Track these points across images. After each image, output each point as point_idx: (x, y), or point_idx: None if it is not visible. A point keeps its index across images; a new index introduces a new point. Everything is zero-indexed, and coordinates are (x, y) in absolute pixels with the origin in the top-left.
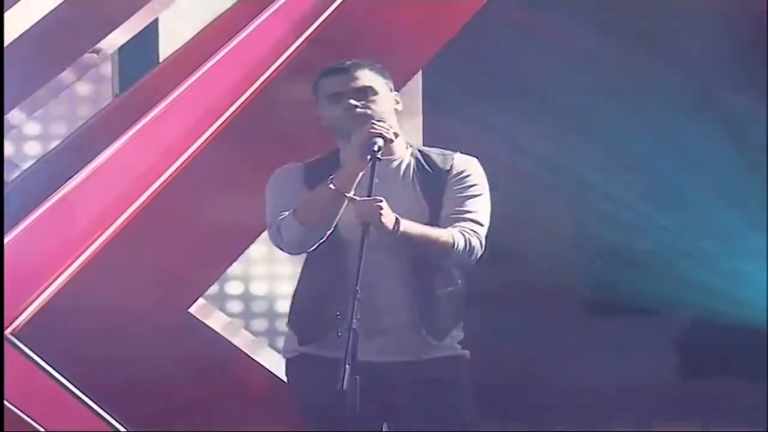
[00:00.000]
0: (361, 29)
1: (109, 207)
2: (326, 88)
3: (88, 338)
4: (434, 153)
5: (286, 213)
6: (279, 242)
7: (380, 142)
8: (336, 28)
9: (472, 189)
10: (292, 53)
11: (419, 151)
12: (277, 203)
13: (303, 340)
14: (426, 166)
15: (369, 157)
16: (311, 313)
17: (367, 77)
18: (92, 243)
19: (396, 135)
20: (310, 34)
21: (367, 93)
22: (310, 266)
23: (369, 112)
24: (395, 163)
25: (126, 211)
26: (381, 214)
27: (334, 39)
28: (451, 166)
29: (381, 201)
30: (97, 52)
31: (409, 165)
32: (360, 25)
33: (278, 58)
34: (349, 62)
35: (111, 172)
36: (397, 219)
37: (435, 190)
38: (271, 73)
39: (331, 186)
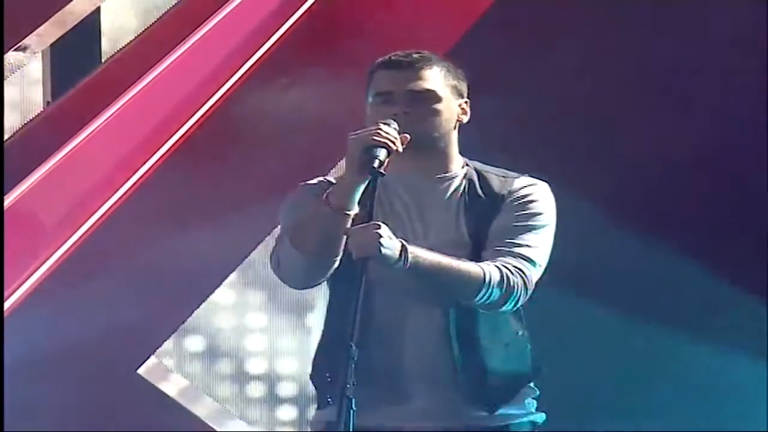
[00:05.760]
0: (366, 16)
1: (39, 241)
2: (378, 83)
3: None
4: (494, 174)
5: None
6: (278, 273)
7: (382, 155)
8: (326, 15)
9: (532, 219)
10: (271, 46)
11: (476, 170)
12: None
13: (322, 403)
14: (479, 190)
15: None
16: (329, 367)
17: (432, 78)
18: (18, 286)
19: (404, 146)
20: (291, 25)
21: (428, 99)
22: (331, 308)
23: (420, 127)
24: (445, 183)
25: (60, 247)
26: (380, 244)
27: (323, 28)
28: (510, 191)
29: (378, 227)
30: (25, 49)
31: (459, 186)
32: (365, 11)
33: (254, 53)
34: (415, 55)
35: (42, 197)
36: (403, 246)
37: (483, 220)
38: (243, 75)
39: (328, 204)
